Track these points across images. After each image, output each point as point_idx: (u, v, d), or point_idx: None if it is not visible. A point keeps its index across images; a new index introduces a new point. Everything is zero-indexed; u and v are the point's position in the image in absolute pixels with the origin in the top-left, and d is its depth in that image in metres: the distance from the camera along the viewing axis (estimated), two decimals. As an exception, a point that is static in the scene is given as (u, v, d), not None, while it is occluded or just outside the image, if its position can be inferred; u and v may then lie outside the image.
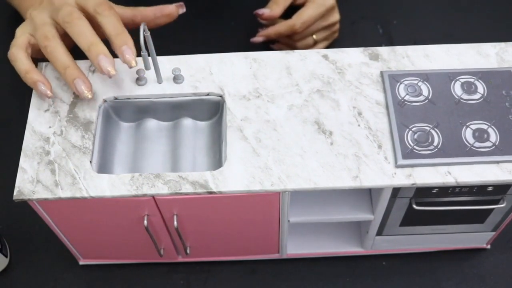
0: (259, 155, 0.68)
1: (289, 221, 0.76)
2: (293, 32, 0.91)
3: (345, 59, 0.75)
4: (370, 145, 0.69)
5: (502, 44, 0.76)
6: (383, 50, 0.75)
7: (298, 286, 0.85)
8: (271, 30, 0.92)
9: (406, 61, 0.74)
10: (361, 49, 0.76)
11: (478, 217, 0.77)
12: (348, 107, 0.71)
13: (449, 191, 0.70)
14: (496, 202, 0.72)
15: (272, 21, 0.94)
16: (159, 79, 0.73)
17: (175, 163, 0.76)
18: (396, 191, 0.70)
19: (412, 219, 0.76)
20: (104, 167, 0.72)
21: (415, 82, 0.72)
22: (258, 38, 0.94)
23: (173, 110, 0.76)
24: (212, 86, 0.73)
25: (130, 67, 0.68)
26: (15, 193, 0.67)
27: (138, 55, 0.69)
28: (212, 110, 0.76)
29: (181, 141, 0.77)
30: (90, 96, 0.70)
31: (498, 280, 0.84)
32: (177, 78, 0.73)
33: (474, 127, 0.69)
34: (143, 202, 0.69)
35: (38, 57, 0.74)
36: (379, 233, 0.80)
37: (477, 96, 0.71)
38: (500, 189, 0.70)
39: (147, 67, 0.70)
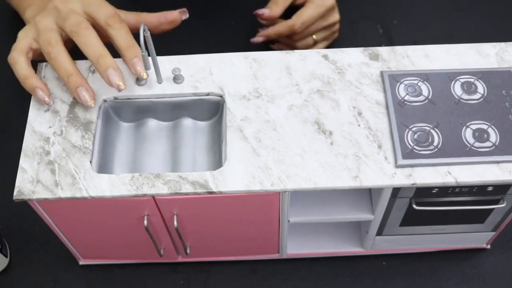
0: (259, 155, 0.68)
1: (289, 221, 0.76)
2: (293, 32, 0.91)
3: (345, 59, 0.75)
4: (370, 145, 0.69)
5: (502, 44, 0.76)
6: (383, 50, 0.75)
7: (298, 286, 0.85)
8: (271, 30, 0.92)
9: (406, 61, 0.74)
10: (361, 49, 0.76)
11: (478, 217, 0.77)
12: (348, 107, 0.71)
13: (449, 191, 0.70)
14: (496, 202, 0.72)
15: (272, 21, 0.94)
16: (159, 79, 0.73)
17: (175, 163, 0.76)
18: (396, 191, 0.70)
19: (412, 219, 0.76)
20: (104, 167, 0.72)
21: (415, 82, 0.72)
22: (258, 39, 0.94)
23: (173, 110, 0.76)
24: (212, 86, 0.73)
25: (142, 79, 0.69)
26: (15, 193, 0.67)
27: (138, 55, 0.69)
28: (212, 110, 0.76)
29: (181, 141, 0.77)
30: (93, 105, 0.70)
31: (498, 280, 0.84)
32: (177, 78, 0.73)
33: (474, 127, 0.69)
34: (143, 202, 0.69)
35: (40, 60, 0.74)
36: (379, 233, 0.80)
37: (477, 96, 0.71)
38: (500, 189, 0.70)
39: (147, 67, 0.70)
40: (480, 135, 0.68)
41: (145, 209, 0.70)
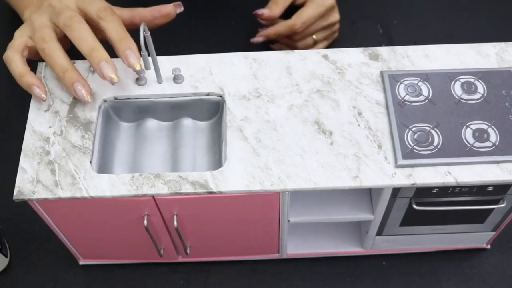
0: (259, 155, 0.68)
1: (289, 221, 0.76)
2: (293, 32, 0.91)
3: (345, 59, 0.75)
4: (370, 145, 0.69)
5: (502, 44, 0.76)
6: (383, 50, 0.75)
7: (298, 286, 0.85)
8: (271, 30, 0.92)
9: (406, 61, 0.74)
10: (361, 49, 0.76)
11: (478, 217, 0.77)
12: (348, 107, 0.71)
13: (449, 191, 0.70)
14: (496, 202, 0.72)
15: (272, 22, 0.94)
16: (159, 79, 0.73)
17: (175, 163, 0.76)
18: (396, 191, 0.70)
19: (412, 219, 0.76)
20: (104, 167, 0.72)
21: (415, 82, 0.72)
22: (258, 39, 0.94)
23: (173, 110, 0.76)
24: (212, 86, 0.73)
25: (135, 70, 0.68)
26: (15, 193, 0.67)
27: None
28: (212, 110, 0.76)
29: (181, 141, 0.77)
30: (89, 100, 0.70)
31: (498, 280, 0.84)
32: (177, 78, 0.73)
33: (474, 127, 0.69)
34: (143, 202, 0.69)
35: (37, 59, 0.74)
36: (379, 233, 0.80)
37: (477, 96, 0.71)
38: (500, 189, 0.70)
39: (147, 67, 0.70)
40: (480, 135, 0.68)
41: (145, 209, 0.70)
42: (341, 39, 0.99)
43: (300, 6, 0.93)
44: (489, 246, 0.86)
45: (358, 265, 0.86)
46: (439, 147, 0.68)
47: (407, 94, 0.71)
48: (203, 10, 1.04)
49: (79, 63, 0.75)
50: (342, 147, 0.69)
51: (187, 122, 0.78)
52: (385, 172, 0.67)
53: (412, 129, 0.69)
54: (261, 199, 0.69)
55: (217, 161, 0.75)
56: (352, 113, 0.71)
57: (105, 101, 0.73)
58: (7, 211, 0.88)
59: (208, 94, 0.73)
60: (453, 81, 0.72)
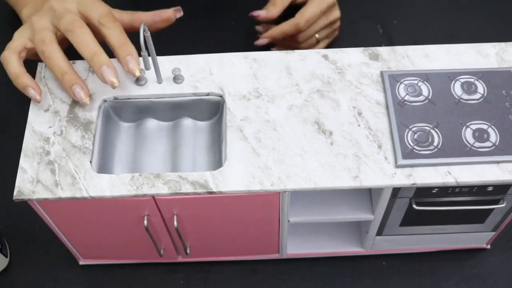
0: (259, 155, 0.68)
1: (289, 221, 0.76)
2: (298, 31, 0.90)
3: (345, 59, 0.75)
4: (370, 145, 0.69)
5: (502, 44, 0.76)
6: (383, 50, 0.75)
7: (298, 286, 0.85)
8: (276, 31, 0.91)
9: (406, 61, 0.74)
10: (361, 49, 0.76)
11: (478, 217, 0.77)
12: (348, 107, 0.71)
13: (449, 191, 0.70)
14: (496, 202, 0.72)
15: (269, 23, 0.94)
16: (159, 79, 0.73)
17: (175, 163, 0.76)
18: (396, 191, 0.70)
19: (412, 219, 0.76)
20: (104, 167, 0.72)
21: (415, 82, 0.72)
22: (262, 41, 0.93)
23: (173, 110, 0.76)
24: (212, 86, 0.73)
25: (134, 76, 0.69)
26: (15, 193, 0.67)
27: (139, 55, 0.69)
28: (212, 110, 0.76)
29: (181, 141, 0.77)
30: (88, 102, 0.70)
31: (498, 280, 0.84)
32: (177, 78, 0.73)
33: (474, 127, 0.69)
34: (143, 202, 0.69)
35: (34, 60, 0.74)
36: (379, 233, 0.80)
37: (477, 96, 0.71)
38: (500, 189, 0.70)
39: (147, 67, 0.70)
40: (480, 135, 0.68)
41: (145, 209, 0.70)
42: (341, 39, 0.99)
43: (300, 5, 0.92)
44: (489, 246, 0.86)
45: (358, 265, 0.86)
46: (439, 147, 0.68)
47: (407, 94, 0.71)
48: (203, 10, 1.04)
49: (79, 63, 0.75)
50: (342, 147, 0.69)
51: (187, 122, 0.78)
52: (385, 172, 0.67)
53: (412, 129, 0.69)
54: (261, 199, 0.69)
55: (217, 161, 0.75)
56: (352, 113, 0.71)
57: (105, 101, 0.73)
58: (7, 211, 0.88)
59: (208, 94, 0.73)
60: (453, 81, 0.72)
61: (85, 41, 0.69)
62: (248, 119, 0.71)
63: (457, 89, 0.71)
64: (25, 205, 0.71)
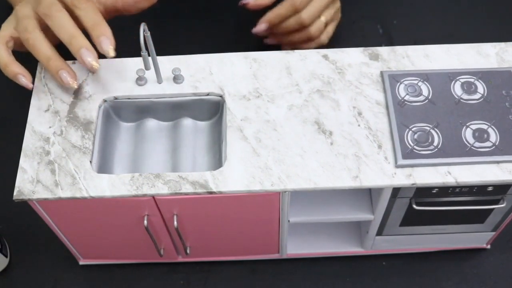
0: (259, 155, 0.68)
1: (289, 221, 0.76)
2: (295, 10, 0.86)
3: (345, 59, 0.75)
4: (370, 145, 0.69)
5: (502, 44, 0.76)
6: (383, 50, 0.75)
7: (298, 286, 0.85)
8: (272, 14, 0.87)
9: (406, 61, 0.74)
10: (361, 49, 0.76)
11: (478, 217, 0.77)
12: (348, 107, 0.71)
13: (449, 191, 0.70)
14: (496, 202, 0.72)
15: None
16: (159, 79, 0.73)
17: (175, 163, 0.76)
18: (396, 191, 0.70)
19: (412, 219, 0.76)
20: (104, 167, 0.72)
21: (415, 82, 0.72)
22: (260, 27, 0.88)
23: (173, 110, 0.76)
24: (212, 86, 0.73)
25: (108, 57, 0.68)
26: (15, 193, 0.67)
27: (139, 55, 0.69)
28: (212, 110, 0.76)
29: (181, 141, 0.77)
30: (75, 86, 0.70)
31: (498, 280, 0.84)
32: (177, 78, 0.73)
33: (474, 127, 0.69)
34: (143, 202, 0.69)
35: (23, 50, 0.74)
36: (379, 233, 0.80)
37: (477, 96, 0.71)
38: (500, 189, 0.70)
39: (147, 67, 0.70)
40: (480, 135, 0.68)
41: (145, 209, 0.70)
42: (341, 39, 0.99)
43: None
44: (489, 246, 0.86)
45: (358, 265, 0.86)
46: (439, 147, 0.68)
47: (407, 94, 0.71)
48: (203, 10, 1.04)
49: (79, 63, 0.75)
50: (342, 147, 0.69)
51: (187, 122, 0.78)
52: (385, 172, 0.67)
53: (412, 129, 0.69)
54: (261, 199, 0.69)
55: (217, 161, 0.75)
56: (352, 113, 0.71)
57: (105, 101, 0.73)
58: (7, 211, 0.88)
59: (208, 94, 0.73)
60: (453, 81, 0.72)
61: (63, 25, 0.68)
62: (248, 119, 0.71)
63: (457, 89, 0.71)
64: (25, 205, 0.71)
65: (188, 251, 0.80)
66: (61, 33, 0.68)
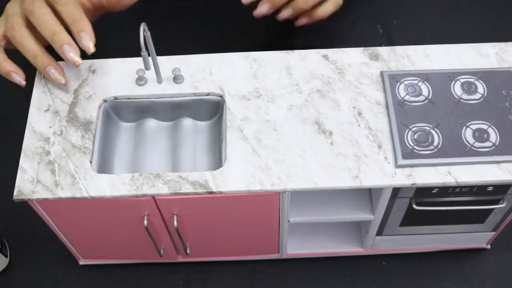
0: (259, 155, 0.68)
1: (289, 221, 0.76)
2: None
3: (345, 59, 0.75)
4: (370, 145, 0.69)
5: (502, 44, 0.76)
6: (383, 50, 0.75)
7: (298, 286, 0.85)
8: None
9: (406, 61, 0.74)
10: (361, 49, 0.76)
11: (478, 217, 0.77)
12: (348, 107, 0.71)
13: (449, 191, 0.70)
14: (496, 202, 0.72)
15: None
16: (159, 79, 0.73)
17: (175, 163, 0.76)
18: (396, 191, 0.70)
19: (412, 219, 0.76)
20: (104, 167, 0.72)
21: (415, 82, 0.72)
22: (261, 8, 0.83)
23: (173, 110, 0.76)
24: (212, 86, 0.73)
25: (89, 52, 0.68)
26: (15, 193, 0.67)
27: (139, 55, 0.69)
28: (212, 110, 0.76)
29: (181, 141, 0.77)
30: (63, 81, 0.71)
31: (498, 280, 0.84)
32: (177, 78, 0.73)
33: (474, 127, 0.69)
34: (143, 202, 0.69)
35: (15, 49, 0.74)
36: (379, 233, 0.80)
37: (477, 96, 0.71)
38: (500, 189, 0.70)
39: (147, 67, 0.69)
40: (480, 135, 0.68)
41: (145, 209, 0.70)
42: (341, 39, 0.99)
43: None
44: (489, 246, 0.86)
45: (358, 265, 0.86)
46: (439, 147, 0.68)
47: (407, 94, 0.71)
48: (203, 10, 1.04)
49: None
50: (342, 147, 0.69)
51: (187, 122, 0.78)
52: (385, 172, 0.67)
53: (412, 129, 0.69)
54: (261, 199, 0.69)
55: (217, 161, 0.75)
56: (352, 113, 0.71)
57: (105, 101, 0.73)
58: (7, 211, 0.88)
59: (208, 94, 0.73)
60: (453, 81, 0.72)
61: (45, 21, 0.68)
62: (248, 119, 0.71)
63: (457, 89, 0.71)
64: (25, 205, 0.71)
65: (188, 251, 0.80)
66: (43, 29, 0.69)
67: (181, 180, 0.67)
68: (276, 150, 0.68)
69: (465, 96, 0.71)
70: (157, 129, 0.78)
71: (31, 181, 0.67)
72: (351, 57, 0.75)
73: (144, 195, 0.67)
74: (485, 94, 0.71)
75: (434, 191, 0.70)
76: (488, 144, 0.68)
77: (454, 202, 0.72)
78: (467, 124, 0.69)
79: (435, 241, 0.83)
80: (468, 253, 0.86)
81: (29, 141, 0.70)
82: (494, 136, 0.68)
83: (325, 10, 0.86)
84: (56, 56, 0.70)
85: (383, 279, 0.85)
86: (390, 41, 1.01)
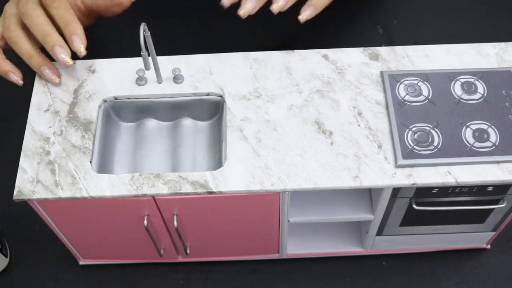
0: (259, 155, 0.68)
1: (289, 221, 0.76)
2: None
3: (345, 59, 0.75)
4: (370, 145, 0.69)
5: (502, 44, 0.76)
6: (383, 50, 0.75)
7: (298, 286, 0.85)
8: None
9: (406, 61, 0.74)
10: (361, 49, 0.76)
11: (478, 217, 0.77)
12: (348, 107, 0.71)
13: (449, 191, 0.70)
14: (496, 202, 0.72)
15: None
16: (159, 79, 0.73)
17: (175, 163, 0.76)
18: (396, 191, 0.69)
19: (412, 219, 0.76)
20: (104, 167, 0.72)
21: (415, 82, 0.72)
22: (246, 5, 0.75)
23: (173, 110, 0.76)
24: (212, 86, 0.73)
25: (80, 55, 0.69)
26: (15, 193, 0.67)
27: (139, 55, 0.69)
28: (212, 110, 0.76)
29: (181, 141, 0.77)
30: (57, 81, 0.72)
31: (498, 280, 0.84)
32: (177, 78, 0.73)
33: (474, 127, 0.69)
34: (143, 202, 0.69)
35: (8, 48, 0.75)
36: (379, 233, 0.80)
37: (477, 96, 0.71)
38: (500, 189, 0.70)
39: (147, 67, 0.70)
40: (480, 135, 0.68)
41: (145, 209, 0.70)
42: (341, 39, 0.99)
43: None
44: (489, 246, 0.86)
45: (358, 265, 0.86)
46: (439, 147, 0.68)
47: (407, 94, 0.71)
48: (203, 10, 1.03)
49: (79, 63, 0.75)
50: (342, 147, 0.68)
51: (187, 122, 0.78)
52: (385, 172, 0.67)
53: (412, 129, 0.69)
54: (261, 199, 0.69)
55: (217, 161, 0.75)
56: (352, 113, 0.71)
57: (105, 101, 0.73)
58: (7, 211, 0.88)
59: (208, 94, 0.73)
60: (453, 81, 0.72)
61: (37, 23, 0.70)
62: (248, 119, 0.71)
63: (457, 89, 0.71)
64: (25, 205, 0.71)
65: (188, 251, 0.80)
66: (36, 31, 0.70)
67: (181, 180, 0.67)
68: (276, 150, 0.68)
69: (465, 96, 0.71)
70: (157, 129, 0.78)
71: (31, 181, 0.67)
72: (351, 57, 0.75)
73: (144, 195, 0.67)
74: (485, 94, 0.71)
75: (434, 191, 0.70)
76: (488, 144, 0.68)
77: (454, 202, 0.72)
78: (467, 124, 0.69)
79: (435, 241, 0.83)
80: (468, 253, 0.86)
81: (29, 141, 0.70)
82: (494, 136, 0.68)
83: None
84: (51, 57, 0.71)
85: (383, 279, 0.85)
86: (390, 41, 1.01)
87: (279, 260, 0.86)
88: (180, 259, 0.85)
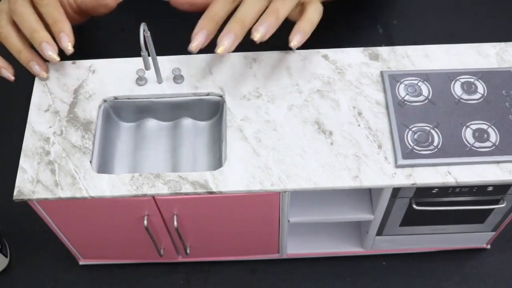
0: (259, 155, 0.68)
1: (289, 221, 0.76)
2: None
3: (345, 59, 0.75)
4: (370, 145, 0.69)
5: (502, 44, 0.76)
6: (383, 50, 0.75)
7: (298, 286, 0.85)
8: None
9: (406, 61, 0.74)
10: (361, 49, 0.76)
11: (478, 217, 0.77)
12: (348, 107, 0.71)
13: (449, 191, 0.70)
14: (496, 202, 0.72)
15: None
16: (159, 79, 0.73)
17: (175, 163, 0.75)
18: (396, 191, 0.69)
19: (412, 219, 0.76)
20: (104, 167, 0.72)
21: (415, 82, 0.72)
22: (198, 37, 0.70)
23: (173, 110, 0.76)
24: (212, 86, 0.73)
25: (67, 53, 0.70)
26: (15, 193, 0.67)
27: (139, 55, 0.69)
28: (212, 110, 0.76)
29: (181, 141, 0.77)
30: (45, 76, 0.73)
31: (498, 280, 0.84)
32: (177, 78, 0.73)
33: (474, 127, 0.69)
34: (143, 202, 0.69)
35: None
36: (379, 233, 0.80)
37: (477, 96, 0.71)
38: (500, 189, 0.70)
39: (147, 67, 0.70)
40: (480, 135, 0.68)
41: (145, 209, 0.70)
42: (341, 39, 0.99)
43: None
44: (489, 246, 0.86)
45: (358, 265, 0.86)
46: (439, 147, 0.68)
47: (407, 94, 0.71)
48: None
49: (79, 63, 0.75)
50: (342, 147, 0.68)
51: (187, 122, 0.78)
52: (385, 172, 0.67)
53: (412, 129, 0.69)
54: (261, 199, 0.69)
55: (217, 161, 0.75)
56: (352, 113, 0.71)
57: (105, 101, 0.73)
58: (7, 211, 0.88)
59: (208, 94, 0.73)
60: (453, 81, 0.72)
61: (25, 20, 0.70)
62: (248, 119, 0.71)
63: (457, 89, 0.71)
64: (25, 205, 0.71)
65: (188, 251, 0.80)
66: (24, 27, 0.71)
67: (181, 180, 0.67)
68: (276, 150, 0.68)
69: (465, 96, 0.71)
70: (157, 129, 0.78)
71: (31, 181, 0.67)
72: (351, 57, 0.75)
73: (144, 195, 0.67)
74: (485, 94, 0.71)
75: (434, 191, 0.70)
76: (488, 144, 0.68)
77: (454, 202, 0.72)
78: (467, 124, 0.69)
79: (435, 241, 0.83)
80: (468, 253, 0.86)
81: (29, 141, 0.70)
82: (494, 136, 0.68)
83: (312, 18, 0.72)
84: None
85: (383, 279, 0.85)
86: (390, 41, 1.00)
87: (279, 260, 0.86)
88: (180, 259, 0.85)
